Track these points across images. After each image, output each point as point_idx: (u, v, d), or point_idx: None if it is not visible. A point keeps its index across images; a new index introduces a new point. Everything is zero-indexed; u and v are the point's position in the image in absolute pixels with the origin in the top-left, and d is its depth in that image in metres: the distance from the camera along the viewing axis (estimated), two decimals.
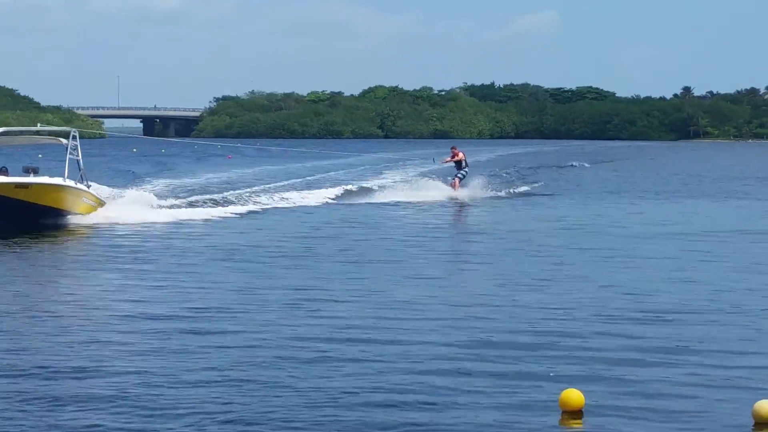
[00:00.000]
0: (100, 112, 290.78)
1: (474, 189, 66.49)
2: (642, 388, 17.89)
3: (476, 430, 15.61)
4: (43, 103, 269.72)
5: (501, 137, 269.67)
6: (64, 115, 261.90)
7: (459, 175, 66.52)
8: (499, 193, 67.19)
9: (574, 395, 16.41)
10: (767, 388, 17.77)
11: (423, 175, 75.76)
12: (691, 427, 15.88)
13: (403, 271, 32.34)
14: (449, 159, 68.54)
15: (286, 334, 22.06)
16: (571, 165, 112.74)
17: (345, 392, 17.41)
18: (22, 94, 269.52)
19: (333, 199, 62.18)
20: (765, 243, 40.80)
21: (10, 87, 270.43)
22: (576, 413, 16.28)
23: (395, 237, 42.13)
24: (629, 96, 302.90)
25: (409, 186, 67.99)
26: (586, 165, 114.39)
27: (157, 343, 21.16)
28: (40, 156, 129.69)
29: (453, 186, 65.76)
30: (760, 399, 16.15)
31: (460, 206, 60.01)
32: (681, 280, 30.53)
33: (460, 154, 67.00)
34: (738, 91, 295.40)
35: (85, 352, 20.26)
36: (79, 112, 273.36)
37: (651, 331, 22.87)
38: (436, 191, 65.14)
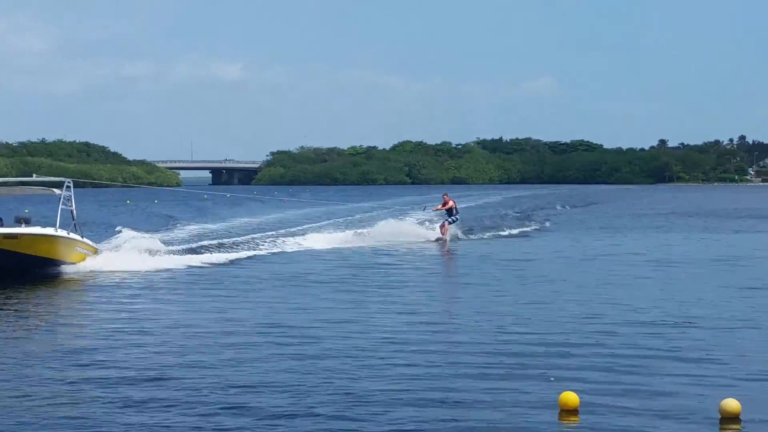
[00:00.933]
0: (177, 164, 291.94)
1: (462, 231, 59.71)
2: (631, 387, 17.46)
3: (488, 426, 15.19)
4: (130, 157, 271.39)
5: (508, 182, 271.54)
6: (147, 167, 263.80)
7: (449, 220, 57.95)
8: (483, 236, 60.31)
9: (571, 396, 16.07)
10: (737, 386, 17.41)
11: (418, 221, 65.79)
12: (672, 417, 15.44)
13: (429, 292, 31.92)
14: (440, 207, 59.61)
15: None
16: (555, 207, 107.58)
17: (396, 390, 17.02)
18: (112, 150, 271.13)
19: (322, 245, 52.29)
20: (731, 269, 40.16)
21: (102, 144, 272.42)
22: (573, 411, 15.89)
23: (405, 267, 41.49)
24: (614, 147, 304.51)
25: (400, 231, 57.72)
26: (567, 207, 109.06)
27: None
28: (128, 202, 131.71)
29: (442, 231, 57.10)
30: (728, 397, 15.93)
31: (447, 246, 53.20)
32: (664, 298, 29.99)
33: (451, 202, 58.43)
34: (705, 143, 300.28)
35: None
36: (159, 165, 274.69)
37: (641, 338, 22.42)
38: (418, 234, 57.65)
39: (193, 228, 65.01)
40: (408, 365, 19.55)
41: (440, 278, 38.03)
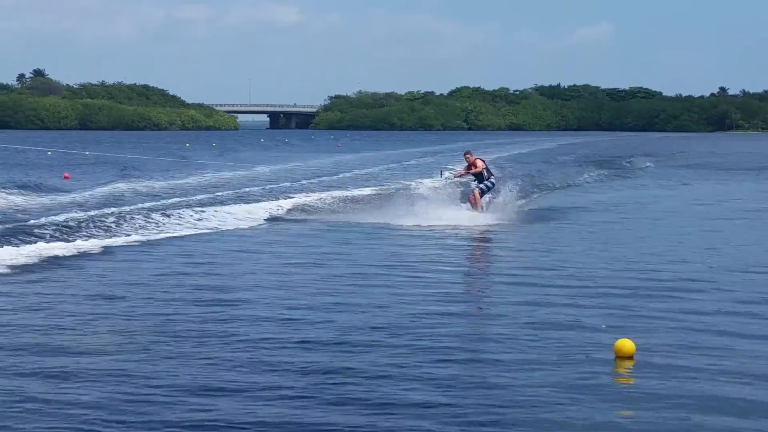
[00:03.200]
0: (234, 108, 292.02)
1: (505, 206, 38.48)
2: (684, 334, 16.84)
3: (546, 368, 14.63)
4: (188, 101, 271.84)
5: (565, 129, 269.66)
6: (205, 111, 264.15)
7: (481, 186, 37.87)
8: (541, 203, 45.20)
9: (627, 343, 15.53)
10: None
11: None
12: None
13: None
14: (462, 171, 39.87)
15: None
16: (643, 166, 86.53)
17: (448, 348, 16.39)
18: (171, 93, 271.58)
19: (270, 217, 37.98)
20: None
21: (161, 87, 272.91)
22: (628, 359, 15.32)
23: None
24: (673, 95, 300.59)
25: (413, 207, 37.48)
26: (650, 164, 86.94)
27: None
28: (187, 144, 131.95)
29: (473, 202, 37.62)
30: None
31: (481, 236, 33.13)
32: None
33: (479, 162, 38.30)
34: (766, 90, 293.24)
35: None
36: (217, 108, 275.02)
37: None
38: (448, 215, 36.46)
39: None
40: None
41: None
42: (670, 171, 75.30)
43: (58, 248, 26.66)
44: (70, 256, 25.77)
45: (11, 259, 24.40)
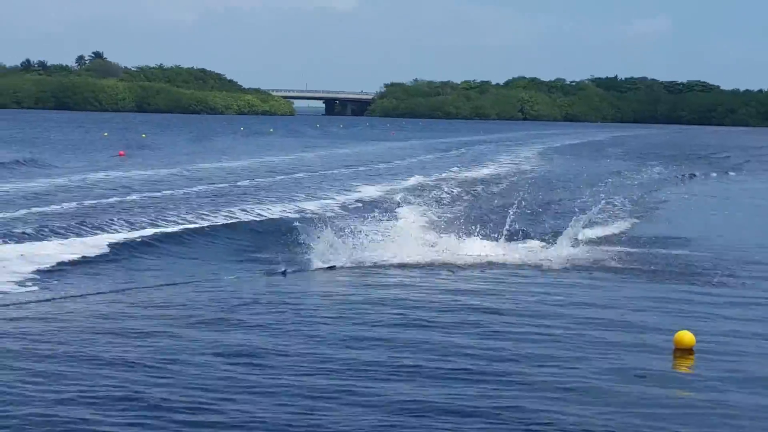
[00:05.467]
0: (290, 93, 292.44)
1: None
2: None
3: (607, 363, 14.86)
4: (245, 86, 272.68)
5: (621, 121, 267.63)
6: (262, 96, 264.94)
7: None
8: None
9: (686, 335, 15.72)
10: None
11: None
12: None
13: None
14: None
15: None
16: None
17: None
18: (227, 78, 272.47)
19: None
20: None
21: (218, 72, 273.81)
22: (688, 351, 15.52)
23: None
24: (731, 88, 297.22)
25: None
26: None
27: None
28: (242, 128, 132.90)
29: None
30: None
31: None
32: None
33: None
34: None
35: None
36: (274, 93, 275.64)
37: None
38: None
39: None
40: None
41: None
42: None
43: None
44: None
45: None
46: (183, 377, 13.43)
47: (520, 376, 13.90)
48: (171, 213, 33.01)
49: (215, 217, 32.40)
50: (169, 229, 28.74)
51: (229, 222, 31.37)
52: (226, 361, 14.32)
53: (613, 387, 13.46)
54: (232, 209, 35.05)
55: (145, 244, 25.89)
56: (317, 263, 23.41)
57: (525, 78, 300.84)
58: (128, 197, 38.08)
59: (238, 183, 46.72)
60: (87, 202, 35.69)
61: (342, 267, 23.37)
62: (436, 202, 39.64)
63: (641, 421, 12.03)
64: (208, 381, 13.25)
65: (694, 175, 59.52)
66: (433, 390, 13.08)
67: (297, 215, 33.41)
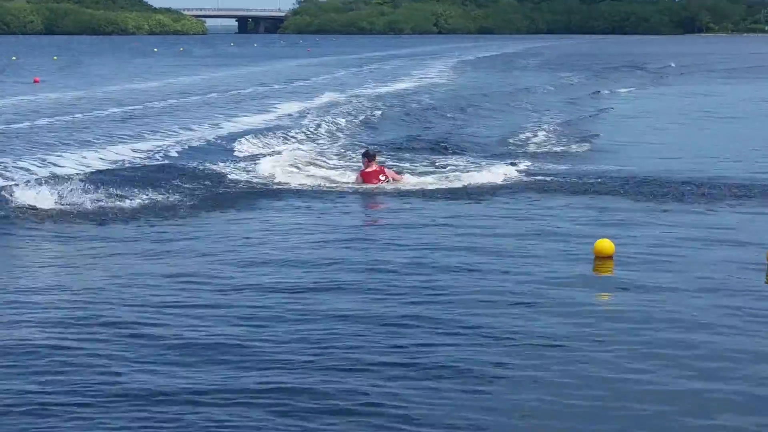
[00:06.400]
0: (203, 12, 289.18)
1: None
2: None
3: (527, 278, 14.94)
4: (156, 5, 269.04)
5: (536, 32, 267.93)
6: (173, 15, 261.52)
7: None
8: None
9: (606, 243, 15.84)
10: None
11: None
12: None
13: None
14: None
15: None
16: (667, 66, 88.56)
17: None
18: None
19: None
20: None
21: None
22: (607, 259, 15.66)
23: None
24: None
25: None
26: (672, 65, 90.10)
27: None
28: (155, 50, 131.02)
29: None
30: None
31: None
32: None
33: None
34: None
35: None
36: (185, 12, 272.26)
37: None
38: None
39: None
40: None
41: None
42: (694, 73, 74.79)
43: None
44: None
45: None
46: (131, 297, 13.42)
47: (450, 288, 13.97)
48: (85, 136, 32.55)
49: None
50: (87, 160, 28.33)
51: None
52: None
53: (539, 294, 13.59)
54: (143, 131, 34.65)
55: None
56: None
57: None
58: (37, 122, 37.45)
59: (151, 104, 46.15)
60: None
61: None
62: (347, 120, 39.30)
63: (563, 323, 12.15)
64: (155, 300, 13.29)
65: (615, 91, 59.21)
66: (375, 304, 13.17)
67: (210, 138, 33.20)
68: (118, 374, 10.46)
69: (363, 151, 25.68)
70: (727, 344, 11.59)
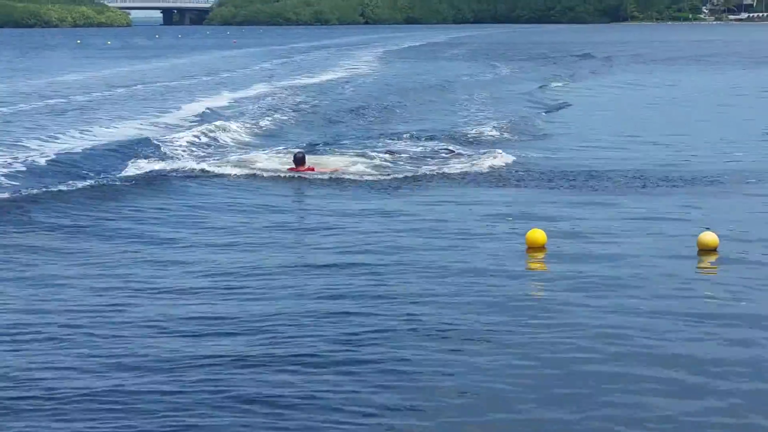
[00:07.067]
0: (127, 4, 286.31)
1: None
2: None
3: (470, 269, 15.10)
4: None
5: (462, 22, 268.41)
6: (97, 7, 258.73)
7: None
8: None
9: (538, 233, 16.03)
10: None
11: None
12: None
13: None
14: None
15: None
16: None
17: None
18: None
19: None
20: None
21: None
22: (540, 249, 15.87)
23: None
24: None
25: None
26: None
27: None
28: (108, 42, 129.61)
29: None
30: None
31: None
32: None
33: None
34: None
35: None
36: (109, 4, 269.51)
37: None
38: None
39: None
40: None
41: None
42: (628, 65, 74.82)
43: None
44: None
45: None
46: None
47: (382, 279, 14.15)
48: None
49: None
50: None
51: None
52: None
53: (470, 283, 13.77)
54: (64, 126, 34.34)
55: None
56: None
57: None
58: None
59: (74, 98, 45.65)
60: None
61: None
62: (275, 114, 38.99)
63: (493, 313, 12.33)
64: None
65: (550, 83, 59.02)
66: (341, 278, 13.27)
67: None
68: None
69: (291, 157, 25.01)
70: (657, 333, 11.86)
